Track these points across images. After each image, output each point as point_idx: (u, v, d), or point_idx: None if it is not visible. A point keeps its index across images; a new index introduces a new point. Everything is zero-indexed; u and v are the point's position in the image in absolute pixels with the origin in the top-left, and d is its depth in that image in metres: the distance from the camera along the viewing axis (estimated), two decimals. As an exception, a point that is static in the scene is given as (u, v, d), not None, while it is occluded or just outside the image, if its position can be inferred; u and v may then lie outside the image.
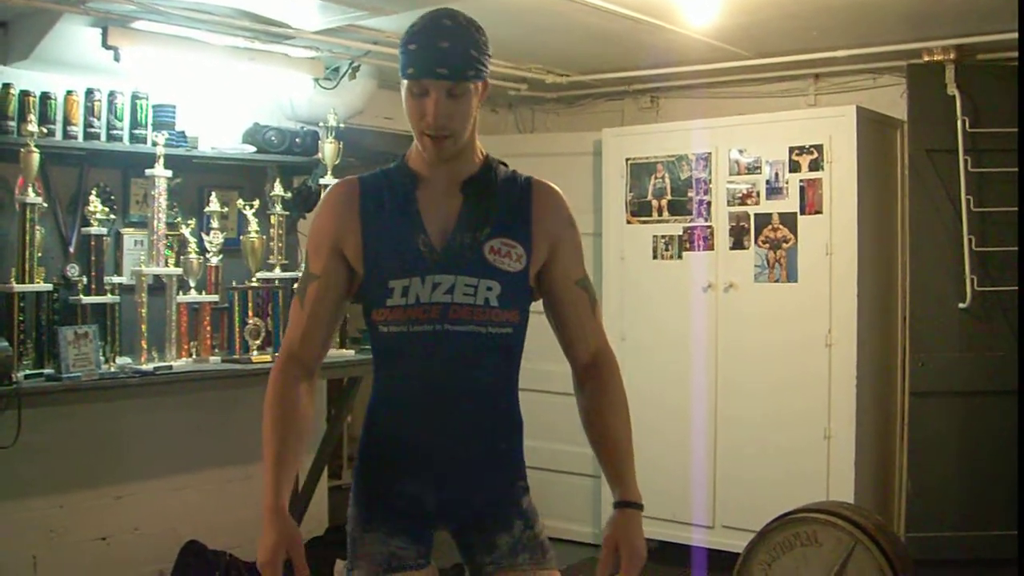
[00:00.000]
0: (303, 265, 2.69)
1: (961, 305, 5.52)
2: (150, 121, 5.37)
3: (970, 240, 5.50)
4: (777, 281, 5.81)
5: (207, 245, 5.56)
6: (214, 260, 5.58)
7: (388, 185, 2.59)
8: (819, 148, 5.72)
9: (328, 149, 5.84)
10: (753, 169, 5.92)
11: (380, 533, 2.60)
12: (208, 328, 5.49)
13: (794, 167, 5.77)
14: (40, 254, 4.89)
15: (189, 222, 5.48)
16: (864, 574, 3.48)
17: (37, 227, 4.85)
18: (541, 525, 2.73)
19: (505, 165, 2.68)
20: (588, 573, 6.12)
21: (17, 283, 4.81)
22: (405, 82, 2.47)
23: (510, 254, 2.58)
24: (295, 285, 2.73)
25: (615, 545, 2.61)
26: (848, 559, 3.49)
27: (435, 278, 2.52)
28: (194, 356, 5.39)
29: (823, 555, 3.54)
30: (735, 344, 5.99)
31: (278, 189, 5.84)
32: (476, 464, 2.62)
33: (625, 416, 2.74)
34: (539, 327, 7.42)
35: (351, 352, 6.08)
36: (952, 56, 5.64)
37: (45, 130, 4.94)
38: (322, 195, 2.68)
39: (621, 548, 2.60)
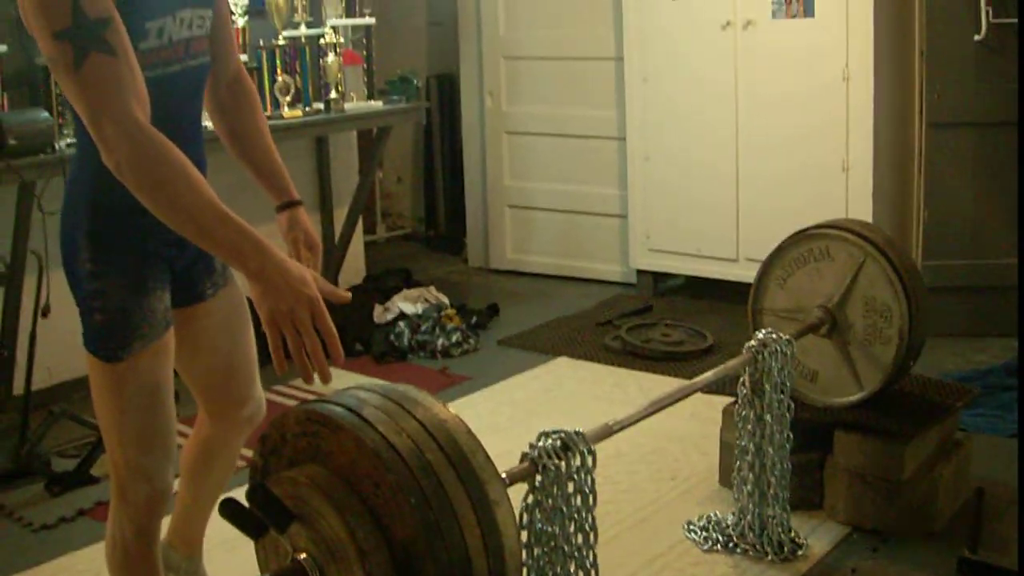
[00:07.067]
0: (71, 14, 2.13)
1: (976, 37, 5.54)
2: None
3: (985, -29, 5.50)
4: (794, 17, 5.84)
5: (232, 7, 5.58)
6: (240, 22, 5.61)
7: None
8: None
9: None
10: (769, -97, 5.90)
11: (155, 292, 2.52)
12: (239, 88, 5.58)
13: (809, -100, 5.75)
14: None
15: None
16: (875, 284, 3.63)
17: None
18: None
19: None
20: (617, 308, 6.41)
21: (51, 52, 4.89)
22: None
23: None
24: (61, 46, 2.13)
25: (303, 240, 2.72)
26: (859, 272, 3.65)
27: (181, 14, 2.42)
28: (227, 115, 5.50)
29: (836, 269, 3.69)
30: (754, 81, 6.04)
31: (299, -54, 5.83)
32: None
33: (268, 128, 2.77)
34: (568, 75, 7.43)
35: (379, 103, 6.21)
36: None
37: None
38: None
39: (306, 241, 2.72)
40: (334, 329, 2.17)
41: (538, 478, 2.48)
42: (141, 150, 2.14)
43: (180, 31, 2.43)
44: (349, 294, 2.32)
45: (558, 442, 2.51)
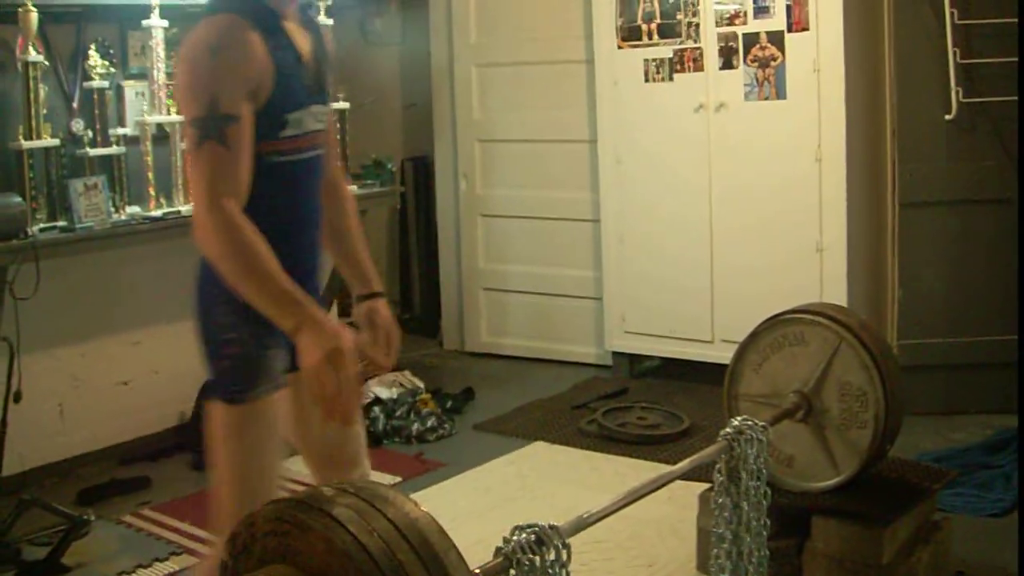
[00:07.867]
0: (207, 106, 2.54)
1: (947, 117, 5.59)
2: (142, -27, 5.39)
3: (955, 52, 5.55)
4: (767, 99, 5.89)
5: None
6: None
7: (263, 22, 2.66)
8: (804, -35, 5.73)
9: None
10: (740, -11, 5.96)
11: (279, 349, 2.77)
12: (213, 173, 5.59)
13: (779, -15, 5.81)
14: (45, 111, 4.98)
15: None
16: (849, 369, 3.63)
17: (40, 85, 4.93)
18: None
19: None
20: (593, 391, 6.38)
21: (25, 140, 4.90)
22: None
23: (331, 82, 2.94)
24: (191, 130, 2.57)
25: (382, 327, 2.98)
26: (834, 356, 3.65)
27: (313, 108, 2.79)
28: (201, 201, 5.51)
29: (810, 354, 3.69)
30: (727, 163, 6.09)
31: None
32: (318, 271, 2.95)
33: (359, 226, 3.11)
34: (542, 157, 7.44)
35: (354, 187, 6.21)
36: None
37: (40, -12, 4.96)
38: (206, 35, 2.60)
39: (385, 329, 2.98)
40: (353, 379, 2.46)
41: (512, 573, 2.44)
42: (218, 226, 2.49)
43: (312, 124, 2.79)
44: (390, 361, 2.93)
45: (532, 536, 2.48)
